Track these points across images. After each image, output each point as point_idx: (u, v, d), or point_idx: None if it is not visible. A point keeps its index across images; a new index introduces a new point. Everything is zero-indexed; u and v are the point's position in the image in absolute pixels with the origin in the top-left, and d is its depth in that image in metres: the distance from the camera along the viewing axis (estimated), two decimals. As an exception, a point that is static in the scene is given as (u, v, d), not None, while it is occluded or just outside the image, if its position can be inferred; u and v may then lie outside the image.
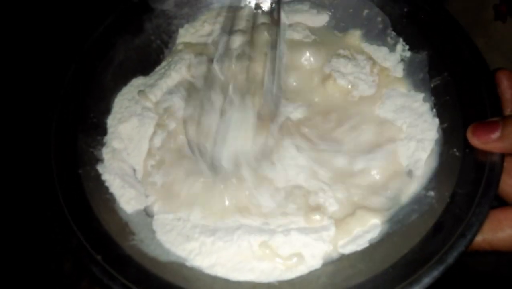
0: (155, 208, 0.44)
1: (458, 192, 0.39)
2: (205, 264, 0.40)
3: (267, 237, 0.41)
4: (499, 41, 0.59)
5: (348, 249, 0.41)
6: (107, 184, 0.44)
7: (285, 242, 0.41)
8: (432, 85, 0.47)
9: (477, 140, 0.39)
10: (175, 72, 0.51)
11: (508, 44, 0.59)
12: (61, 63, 0.46)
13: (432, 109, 0.46)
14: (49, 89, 0.45)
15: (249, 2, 0.56)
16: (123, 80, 0.50)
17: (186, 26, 0.54)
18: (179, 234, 0.42)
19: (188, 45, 0.54)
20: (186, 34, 0.54)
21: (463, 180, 0.39)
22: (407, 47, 0.50)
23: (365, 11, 0.52)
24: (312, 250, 0.41)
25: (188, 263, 0.40)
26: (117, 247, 0.38)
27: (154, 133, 0.48)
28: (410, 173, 0.45)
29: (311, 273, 0.40)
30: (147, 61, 0.52)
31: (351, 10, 0.53)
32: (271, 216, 0.43)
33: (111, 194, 0.43)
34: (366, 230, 0.42)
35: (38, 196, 0.39)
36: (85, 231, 0.38)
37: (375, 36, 0.52)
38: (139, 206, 0.44)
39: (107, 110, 0.48)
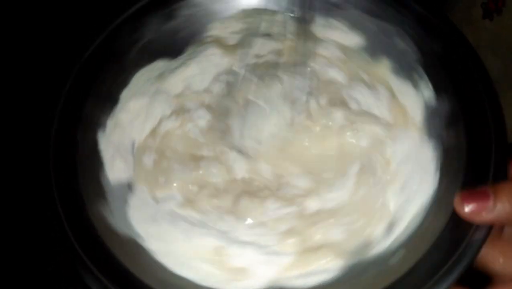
0: (138, 185, 0.46)
1: (424, 260, 0.37)
2: (158, 249, 0.42)
3: (224, 243, 0.42)
4: (489, 39, 0.57)
5: (296, 283, 0.40)
6: (101, 150, 0.47)
7: (240, 254, 0.41)
8: (445, 138, 0.43)
9: (465, 211, 0.36)
10: (195, 63, 0.52)
11: (497, 41, 0.56)
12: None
13: (437, 164, 0.43)
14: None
15: (286, 9, 0.55)
16: (147, 59, 0.52)
17: (218, 20, 0.55)
18: (148, 215, 0.44)
19: (216, 39, 0.55)
20: (217, 28, 0.55)
21: (436, 249, 0.37)
22: (432, 90, 0.46)
23: (400, 42, 0.49)
24: (261, 271, 0.41)
25: (144, 244, 0.42)
26: (83, 209, 0.41)
27: (166, 117, 0.50)
28: (390, 225, 0.42)
29: (251, 293, 0.40)
30: (175, 46, 0.54)
31: (386, 37, 0.50)
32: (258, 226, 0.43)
33: (100, 161, 0.46)
34: (322, 269, 0.41)
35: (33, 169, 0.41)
36: (60, 186, 0.41)
37: (403, 70, 0.49)
38: (124, 179, 0.46)
39: (124, 84, 0.51)
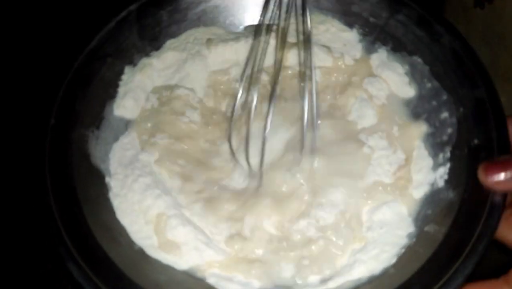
0: (133, 127, 0.49)
1: None
2: (114, 189, 0.44)
3: (171, 213, 0.43)
4: (480, 27, 0.57)
5: (211, 281, 0.40)
6: (120, 82, 0.49)
7: (178, 229, 0.42)
8: (425, 229, 0.39)
9: (490, 180, 0.36)
10: (246, 43, 0.52)
11: (488, 29, 0.56)
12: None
13: (402, 248, 0.40)
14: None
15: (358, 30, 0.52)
16: (204, 22, 0.53)
17: (289, 14, 0.54)
18: (128, 158, 0.46)
19: (279, 29, 0.53)
20: (286, 20, 0.54)
21: None
22: (446, 177, 0.42)
23: (444, 114, 0.44)
24: (190, 254, 0.41)
25: (106, 180, 0.44)
26: (72, 127, 0.44)
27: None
28: (327, 277, 0.40)
29: (167, 267, 0.41)
30: (237, 20, 0.54)
31: (436, 103, 0.46)
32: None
33: (115, 91, 0.49)
34: (243, 282, 0.40)
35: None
36: (64, 99, 0.44)
37: (433, 144, 0.45)
38: (127, 116, 0.49)
39: (173, 35, 0.53)
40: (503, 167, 0.36)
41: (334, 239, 0.41)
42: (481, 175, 0.37)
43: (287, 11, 0.54)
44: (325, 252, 0.41)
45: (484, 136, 0.40)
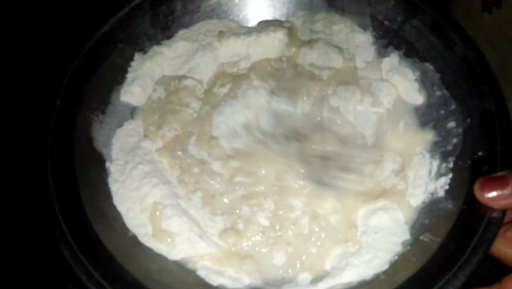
0: (139, 114, 0.49)
1: None
2: (113, 174, 0.44)
3: (167, 202, 0.43)
4: (488, 32, 0.58)
5: (201, 273, 0.40)
6: (129, 69, 0.50)
7: (173, 219, 0.42)
8: (420, 237, 0.39)
9: (486, 197, 0.35)
10: (257, 38, 0.51)
11: (496, 34, 0.57)
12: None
13: (396, 255, 0.39)
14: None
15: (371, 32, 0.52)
16: (218, 14, 0.53)
17: (304, 11, 0.54)
18: (130, 145, 0.46)
19: (291, 27, 0.53)
20: (300, 18, 0.54)
21: None
22: (446, 187, 0.41)
23: (451, 124, 0.44)
24: (183, 245, 0.41)
25: (106, 164, 0.45)
26: (74, 112, 0.44)
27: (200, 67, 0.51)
28: (318, 277, 0.40)
29: (159, 256, 0.41)
30: (250, 15, 0.54)
31: (442, 112, 0.45)
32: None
33: (123, 76, 0.49)
34: (234, 277, 0.40)
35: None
36: (71, 81, 0.45)
37: (436, 152, 0.44)
38: (133, 103, 0.49)
39: (186, 25, 0.53)
40: (499, 184, 0.35)
41: (317, 229, 0.41)
42: (477, 191, 0.36)
43: (301, 9, 0.55)
44: (310, 243, 0.41)
45: (489, 148, 0.39)
